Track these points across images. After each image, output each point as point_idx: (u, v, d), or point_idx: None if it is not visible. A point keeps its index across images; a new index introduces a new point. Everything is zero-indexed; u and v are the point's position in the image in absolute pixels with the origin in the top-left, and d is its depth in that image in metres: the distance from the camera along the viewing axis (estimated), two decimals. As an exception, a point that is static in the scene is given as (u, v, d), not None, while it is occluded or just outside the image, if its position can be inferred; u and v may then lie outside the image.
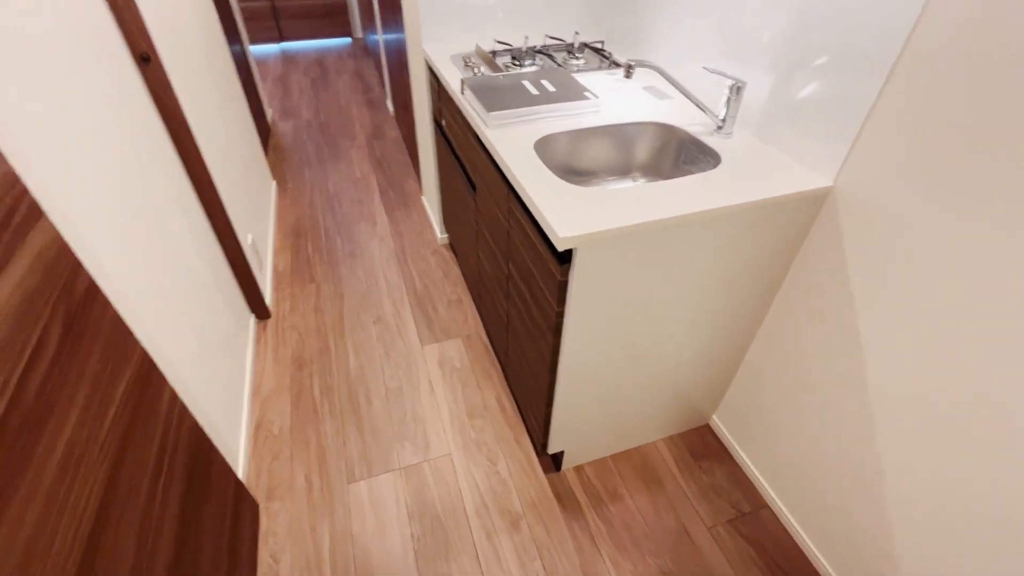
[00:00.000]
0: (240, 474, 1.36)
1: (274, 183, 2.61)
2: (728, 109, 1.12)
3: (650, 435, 1.49)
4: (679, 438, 1.53)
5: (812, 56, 0.97)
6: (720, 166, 1.05)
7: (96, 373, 0.74)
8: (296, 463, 1.44)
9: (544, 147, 1.18)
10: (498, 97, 1.23)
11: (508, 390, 1.65)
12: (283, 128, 3.25)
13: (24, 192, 0.66)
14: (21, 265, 0.63)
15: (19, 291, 0.62)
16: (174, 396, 0.96)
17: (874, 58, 0.85)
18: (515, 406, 1.60)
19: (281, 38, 4.63)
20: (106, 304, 0.79)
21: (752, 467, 1.42)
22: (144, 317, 0.99)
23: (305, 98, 3.68)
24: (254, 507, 1.30)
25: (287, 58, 4.41)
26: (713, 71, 1.08)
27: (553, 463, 1.45)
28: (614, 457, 1.48)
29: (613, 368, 1.17)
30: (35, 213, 0.67)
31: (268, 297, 1.92)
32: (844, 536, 1.15)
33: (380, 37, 3.30)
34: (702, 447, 1.51)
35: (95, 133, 0.96)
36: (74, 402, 0.68)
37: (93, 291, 0.77)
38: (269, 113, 3.30)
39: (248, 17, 4.38)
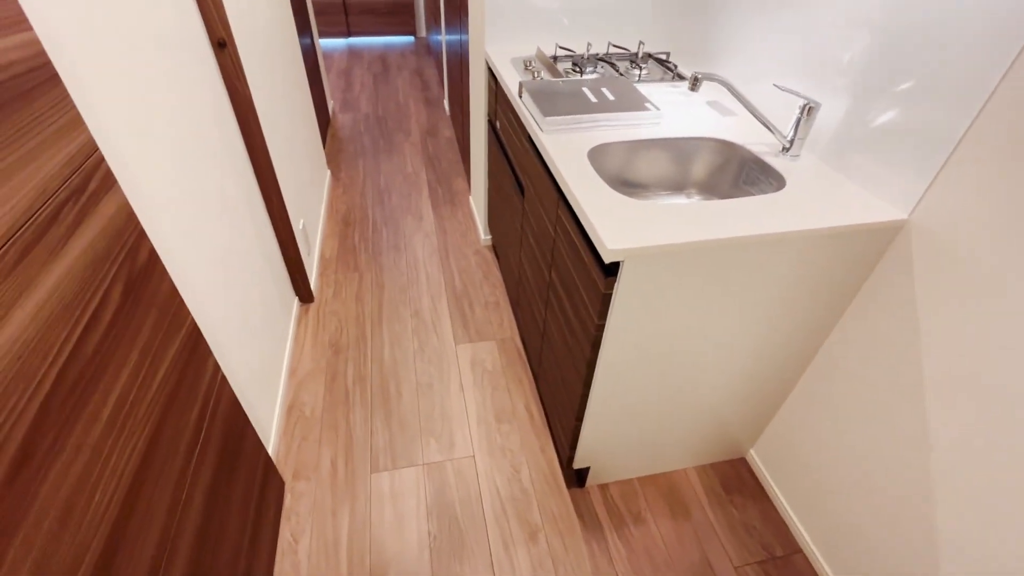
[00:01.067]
0: (270, 451, 1.40)
1: (329, 172, 2.69)
2: (797, 130, 1.07)
3: (681, 461, 1.43)
4: (712, 468, 1.47)
5: (897, 81, 0.90)
6: (784, 189, 0.99)
7: (148, 338, 0.77)
8: (324, 446, 1.47)
9: (598, 156, 1.16)
10: (555, 102, 1.22)
11: (538, 399, 1.63)
12: (343, 120, 3.36)
13: (101, 160, 0.69)
14: (92, 229, 0.67)
15: (88, 253, 0.65)
16: (216, 368, 0.99)
17: (968, 87, 0.79)
18: (544, 416, 1.58)
19: (349, 33, 4.80)
20: (164, 274, 0.83)
21: (788, 508, 1.34)
22: (197, 289, 1.03)
23: (366, 92, 3.79)
24: (280, 485, 1.33)
25: (352, 52, 4.56)
26: (785, 89, 1.03)
27: (577, 478, 1.42)
28: (641, 480, 1.43)
29: (649, 388, 1.13)
30: (109, 181, 0.71)
31: (313, 282, 1.97)
32: (885, 596, 1.06)
33: (443, 37, 3.37)
34: (736, 481, 1.44)
35: (170, 111, 1.00)
36: (127, 363, 0.71)
37: (154, 260, 0.80)
38: (331, 104, 3.42)
39: (319, 11, 4.56)
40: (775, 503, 1.38)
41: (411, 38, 5.04)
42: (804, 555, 1.28)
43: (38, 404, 0.55)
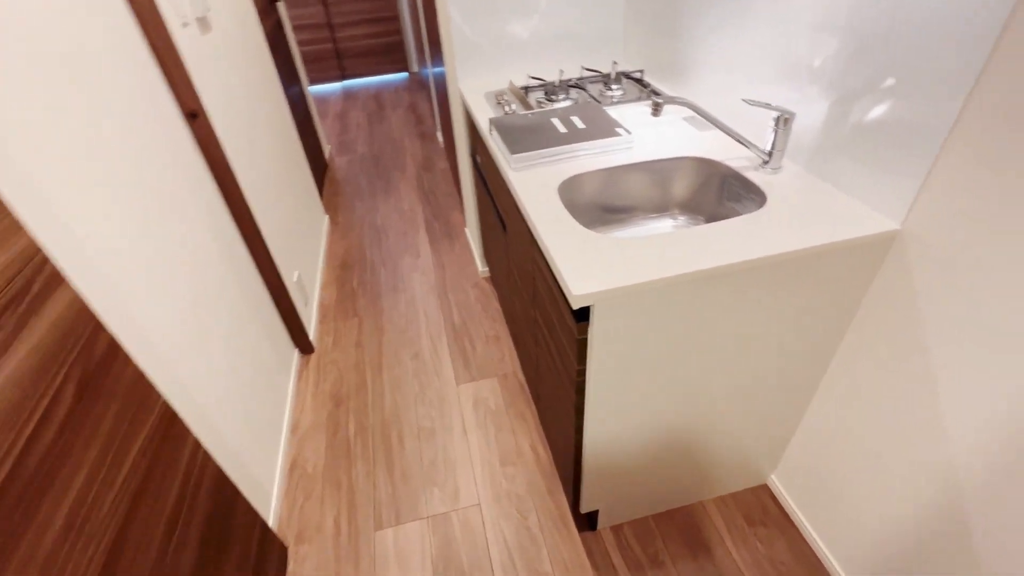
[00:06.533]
0: (272, 513, 1.37)
1: (326, 217, 2.72)
2: (775, 142, 1.01)
3: (698, 494, 1.35)
4: (732, 500, 1.38)
5: (873, 82, 0.85)
6: (765, 207, 0.94)
7: (111, 431, 0.76)
8: (327, 505, 1.43)
9: (571, 189, 1.12)
10: (523, 137, 1.19)
11: (543, 435, 1.57)
12: (339, 163, 3.41)
13: (44, 262, 0.69)
14: (37, 331, 0.65)
15: (34, 356, 0.64)
16: (197, 446, 0.98)
17: (951, 77, 0.73)
18: (550, 454, 1.52)
19: (343, 76, 4.91)
20: (127, 361, 0.82)
21: (816, 538, 1.24)
22: (173, 361, 1.02)
23: (361, 133, 3.85)
24: (282, 551, 1.30)
25: (348, 95, 4.66)
26: (753, 103, 0.98)
27: (588, 521, 1.35)
28: (656, 517, 1.35)
29: (649, 424, 1.07)
30: (56, 281, 0.70)
31: (312, 332, 1.97)
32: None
33: (431, 70, 3.41)
34: (759, 511, 1.35)
35: (138, 188, 1.01)
36: (84, 462, 0.69)
37: (114, 350, 0.79)
38: (327, 149, 3.47)
39: (313, 59, 4.69)
40: (802, 532, 1.29)
41: (404, 74, 5.13)
42: (839, 590, 1.18)
43: (-29, 531, 0.53)
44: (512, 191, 1.10)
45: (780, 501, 1.36)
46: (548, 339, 1.09)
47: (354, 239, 2.59)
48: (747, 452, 1.26)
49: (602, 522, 1.32)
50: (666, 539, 1.31)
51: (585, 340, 0.85)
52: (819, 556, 1.24)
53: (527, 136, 1.19)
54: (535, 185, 1.07)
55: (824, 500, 1.20)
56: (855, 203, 0.92)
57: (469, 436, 1.59)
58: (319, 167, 3.05)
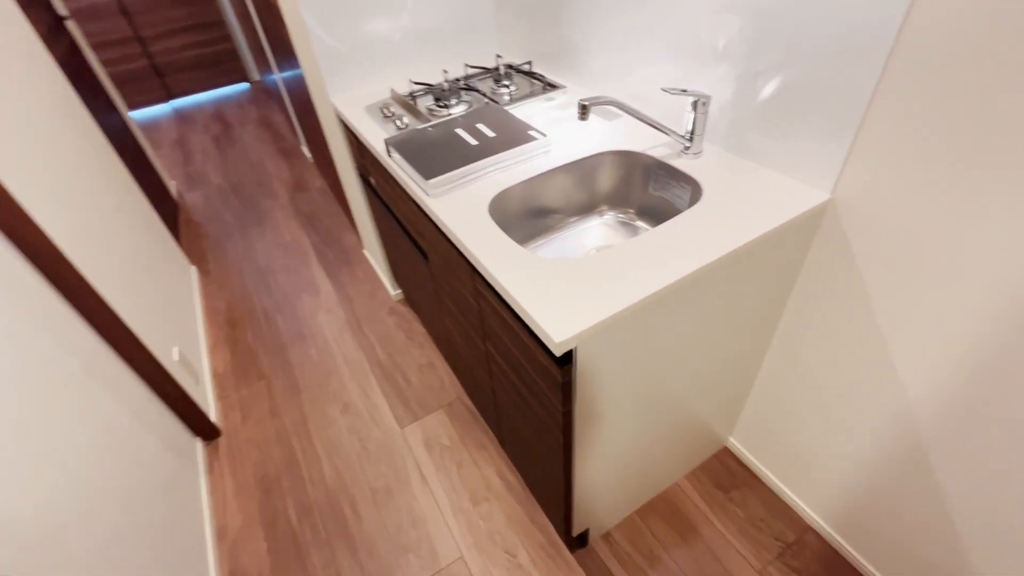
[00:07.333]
0: (220, 652, 1.13)
1: (193, 268, 2.32)
2: (694, 127, 1.00)
3: (671, 476, 1.36)
4: (701, 471, 1.41)
5: (786, 55, 0.85)
6: (704, 198, 0.92)
7: None
8: (286, 615, 1.22)
9: (500, 207, 1.01)
10: (433, 157, 1.05)
11: (507, 460, 1.49)
12: (192, 199, 2.93)
13: None
14: None
15: None
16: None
17: (866, 42, 0.73)
18: (520, 479, 1.44)
19: (170, 95, 4.23)
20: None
21: (782, 486, 1.32)
22: (18, 520, 0.76)
23: (211, 159, 3.35)
24: None
25: (182, 117, 4.02)
26: (670, 91, 0.95)
27: (578, 539, 1.30)
28: (640, 511, 1.34)
29: (632, 431, 1.03)
30: None
31: (213, 412, 1.66)
32: (896, 545, 1.06)
33: (278, 76, 3.03)
34: (727, 476, 1.40)
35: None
36: None
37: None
38: (173, 186, 2.97)
39: (127, 80, 3.96)
40: (769, 485, 1.36)
41: (245, 85, 4.55)
42: (814, 531, 1.27)
43: None
44: (437, 221, 0.97)
45: (743, 460, 1.42)
46: (512, 376, 0.99)
47: (235, 288, 2.24)
48: (709, 423, 1.28)
49: (592, 536, 1.28)
50: (656, 532, 1.30)
51: (570, 382, 0.76)
52: (791, 505, 1.32)
53: (437, 155, 1.06)
54: (461, 211, 0.95)
55: (783, 452, 1.27)
56: (786, 179, 0.93)
57: (430, 483, 1.45)
58: (167, 209, 2.59)
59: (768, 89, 0.90)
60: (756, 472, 1.39)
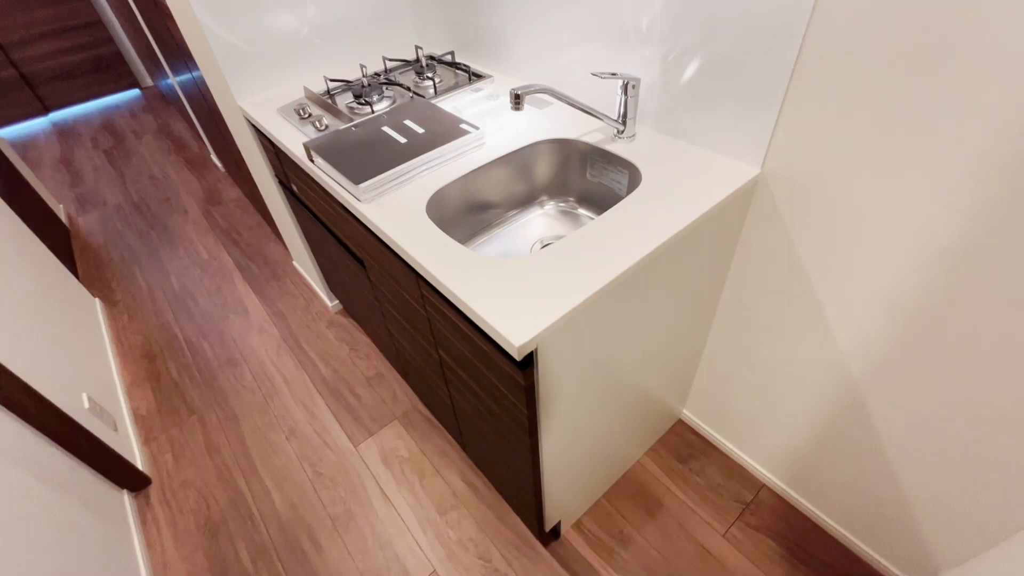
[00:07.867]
0: None
1: (96, 300, 2.07)
2: (626, 110, 0.99)
3: (633, 455, 1.39)
4: (660, 446, 1.45)
5: (707, 32, 0.85)
6: (644, 183, 0.91)
7: None
8: (250, 666, 1.13)
9: (438, 206, 0.97)
10: (361, 160, 0.98)
11: (472, 464, 1.45)
12: (86, 224, 2.62)
13: None
14: None
15: None
16: None
17: (784, 19, 0.75)
18: (487, 481, 1.41)
19: (46, 108, 3.75)
20: None
21: (735, 449, 1.38)
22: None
23: (104, 177, 3.01)
24: None
25: (63, 131, 3.58)
26: (600, 75, 0.94)
27: (551, 532, 1.29)
28: (608, 495, 1.36)
29: (595, 419, 1.02)
30: None
31: (138, 459, 1.50)
32: (842, 489, 1.14)
33: (174, 80, 2.76)
34: (684, 447, 1.44)
35: None
36: None
37: None
38: (60, 210, 2.64)
39: (-11, 94, 3.47)
40: (724, 451, 1.42)
41: (136, 92, 4.13)
42: (768, 488, 1.34)
43: None
44: (373, 228, 0.90)
45: (697, 430, 1.47)
46: (470, 382, 0.96)
47: (149, 317, 2.03)
48: (663, 399, 1.31)
49: (563, 527, 1.28)
50: (624, 512, 1.32)
51: (532, 385, 0.74)
52: (745, 467, 1.38)
53: (365, 157, 0.99)
54: (398, 214, 0.89)
55: (734, 417, 1.32)
56: (718, 157, 0.95)
57: (393, 500, 1.39)
58: (57, 237, 2.30)
59: (693, 68, 0.91)
60: (711, 440, 1.44)
